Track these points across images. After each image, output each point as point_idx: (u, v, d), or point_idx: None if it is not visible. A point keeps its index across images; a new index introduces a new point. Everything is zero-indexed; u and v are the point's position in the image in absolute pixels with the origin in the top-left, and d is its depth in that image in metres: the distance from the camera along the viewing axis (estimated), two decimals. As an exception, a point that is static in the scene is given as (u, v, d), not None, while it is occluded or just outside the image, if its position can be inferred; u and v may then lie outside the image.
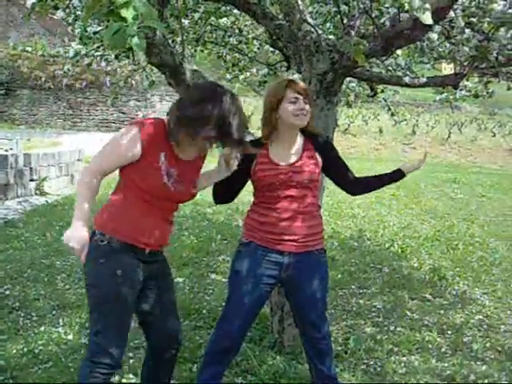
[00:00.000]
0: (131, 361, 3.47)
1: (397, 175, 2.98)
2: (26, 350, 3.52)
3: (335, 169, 2.88)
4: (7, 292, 4.55)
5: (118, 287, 2.34)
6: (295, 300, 2.89)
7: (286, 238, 2.71)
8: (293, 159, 2.73)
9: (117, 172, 2.44)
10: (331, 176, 2.92)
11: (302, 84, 2.73)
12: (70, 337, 3.75)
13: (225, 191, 2.83)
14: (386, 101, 6.00)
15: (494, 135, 23.93)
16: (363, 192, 3.09)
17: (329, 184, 9.83)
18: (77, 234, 2.30)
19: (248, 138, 3.11)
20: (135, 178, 2.37)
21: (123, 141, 2.30)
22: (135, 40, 1.35)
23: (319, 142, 2.81)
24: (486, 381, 3.45)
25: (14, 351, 3.49)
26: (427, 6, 2.26)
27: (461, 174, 16.04)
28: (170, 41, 4.81)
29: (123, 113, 18.82)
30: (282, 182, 2.69)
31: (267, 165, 2.72)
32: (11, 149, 9.24)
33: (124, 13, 1.30)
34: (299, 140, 2.78)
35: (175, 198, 2.47)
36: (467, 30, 3.49)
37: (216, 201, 2.87)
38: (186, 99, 2.38)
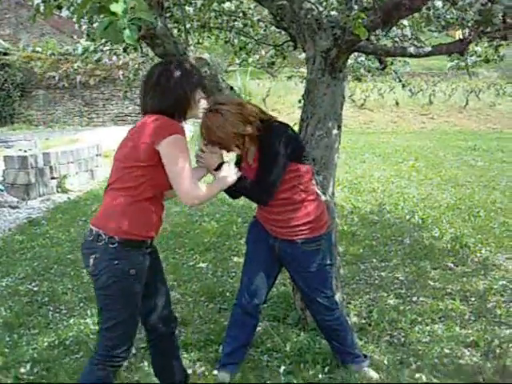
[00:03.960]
0: (142, 350, 3.50)
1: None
2: (57, 342, 3.63)
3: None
4: (35, 288, 4.66)
5: (132, 286, 2.43)
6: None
7: (270, 225, 2.96)
8: (252, 160, 2.88)
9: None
10: None
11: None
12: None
13: None
14: (396, 73, 5.97)
15: (513, 99, 23.54)
16: None
17: (348, 160, 9.88)
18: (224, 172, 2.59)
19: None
20: (157, 177, 2.41)
21: (185, 153, 2.38)
22: (127, 32, 1.39)
23: (260, 142, 2.82)
24: (511, 345, 3.47)
25: (46, 344, 3.60)
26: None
27: (480, 140, 15.85)
28: (175, 30, 4.86)
29: (138, 105, 18.87)
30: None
31: (243, 162, 2.92)
32: (30, 149, 9.38)
33: (114, 7, 1.34)
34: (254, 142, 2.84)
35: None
36: (469, -5, 3.47)
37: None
38: None
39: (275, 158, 2.75)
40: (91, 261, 2.40)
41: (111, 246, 2.37)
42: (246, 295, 2.98)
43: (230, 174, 2.62)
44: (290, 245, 2.90)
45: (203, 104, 2.61)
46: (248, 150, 2.84)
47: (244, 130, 2.71)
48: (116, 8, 1.30)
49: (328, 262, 2.98)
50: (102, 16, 1.43)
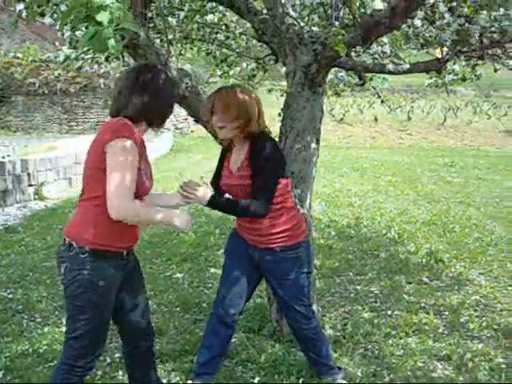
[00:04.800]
0: (118, 360, 3.49)
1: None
2: (30, 350, 3.59)
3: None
4: (10, 296, 4.62)
5: (101, 298, 2.38)
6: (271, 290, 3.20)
7: (248, 235, 2.97)
8: (236, 167, 2.88)
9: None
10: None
11: (216, 98, 2.81)
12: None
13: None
14: (375, 89, 6.05)
15: (490, 117, 23.93)
16: None
17: (326, 174, 9.94)
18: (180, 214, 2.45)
19: None
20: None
21: (130, 158, 2.26)
22: (112, 42, 1.41)
23: (254, 149, 2.83)
24: (483, 358, 3.52)
25: (20, 352, 3.56)
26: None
27: (457, 157, 16.09)
28: (158, 40, 4.89)
29: (118, 114, 18.84)
30: (231, 189, 2.86)
31: (224, 171, 2.95)
32: (8, 155, 9.30)
33: (100, 17, 1.36)
34: (245, 147, 2.86)
35: (143, 190, 2.45)
36: (447, 15, 3.55)
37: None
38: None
39: (276, 169, 2.82)
40: (62, 270, 2.38)
41: (81, 256, 2.33)
42: (222, 305, 2.97)
43: (181, 217, 2.44)
44: (269, 253, 2.91)
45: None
46: (232, 155, 2.90)
47: (256, 121, 2.78)
48: (102, 18, 1.32)
49: (306, 269, 3.00)
50: (86, 25, 1.45)
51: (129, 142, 2.26)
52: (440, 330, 3.95)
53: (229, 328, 3.00)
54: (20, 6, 4.07)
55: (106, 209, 2.26)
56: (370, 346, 3.69)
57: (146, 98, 2.38)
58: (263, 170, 2.75)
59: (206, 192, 2.73)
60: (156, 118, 2.47)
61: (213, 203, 2.75)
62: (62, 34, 5.01)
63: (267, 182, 2.77)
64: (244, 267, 2.99)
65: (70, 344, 2.44)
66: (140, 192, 2.38)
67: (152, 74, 2.43)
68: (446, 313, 4.27)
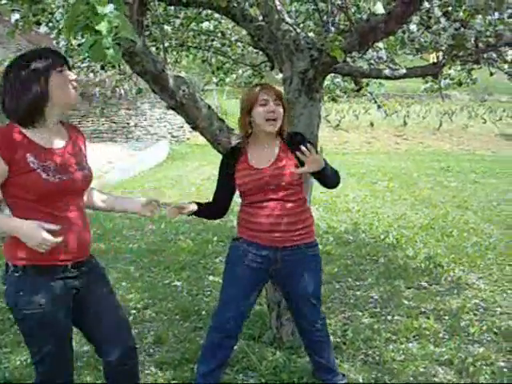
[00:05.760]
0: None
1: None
2: (29, 360, 3.55)
3: None
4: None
5: (46, 316, 2.16)
6: (288, 293, 2.98)
7: (274, 235, 2.79)
8: (271, 162, 2.79)
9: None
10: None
11: (274, 87, 2.80)
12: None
13: (219, 204, 2.95)
14: (371, 94, 6.07)
15: (485, 121, 24.03)
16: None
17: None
18: (26, 228, 2.07)
19: (234, 140, 3.19)
20: (17, 193, 2.14)
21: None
22: (111, 52, 1.40)
23: (294, 141, 2.84)
24: (484, 362, 3.51)
25: (18, 363, 3.54)
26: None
27: (453, 161, 16.12)
28: (153, 48, 4.89)
29: (114, 122, 18.84)
30: (260, 186, 2.77)
31: (247, 170, 2.80)
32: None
33: (99, 27, 1.36)
34: (276, 142, 2.84)
35: (68, 188, 2.20)
36: (443, 20, 3.56)
37: (215, 218, 3.03)
38: None
39: None
40: (5, 293, 2.20)
41: (16, 274, 2.15)
42: (226, 319, 2.86)
43: (29, 233, 2.07)
44: (293, 250, 2.81)
45: None
46: (250, 153, 2.83)
47: None
48: (101, 27, 1.32)
49: (321, 268, 2.97)
50: (82, 34, 1.44)
51: None
52: (440, 335, 3.94)
53: (232, 339, 2.92)
54: (15, 16, 4.08)
55: (29, 219, 2.11)
56: (370, 352, 3.68)
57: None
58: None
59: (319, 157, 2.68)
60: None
61: (327, 165, 2.73)
62: (58, 43, 5.02)
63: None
64: (247, 279, 2.85)
65: (36, 371, 2.29)
66: (37, 190, 2.12)
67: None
68: (446, 317, 4.26)
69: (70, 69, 2.20)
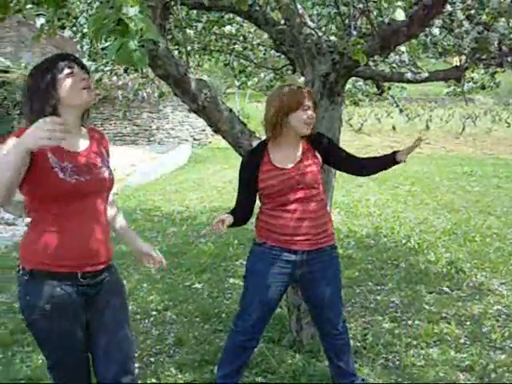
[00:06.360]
0: None
1: (390, 159, 2.91)
2: (51, 360, 3.61)
3: (337, 157, 2.92)
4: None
5: (53, 325, 2.11)
6: (310, 297, 2.96)
7: (299, 238, 2.77)
8: (296, 162, 2.79)
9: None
10: (336, 165, 3.00)
11: (312, 91, 2.85)
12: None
13: (244, 208, 2.85)
14: (393, 98, 6.04)
15: (509, 125, 23.74)
16: (368, 173, 3.11)
17: (345, 184, 9.91)
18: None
19: (255, 143, 3.20)
20: (31, 191, 2.10)
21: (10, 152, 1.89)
22: (137, 54, 1.42)
23: (316, 140, 2.87)
24: (506, 369, 3.47)
25: (41, 361, 3.58)
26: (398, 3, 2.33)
27: (476, 166, 15.94)
28: (176, 52, 4.93)
29: (137, 125, 18.99)
30: (290, 186, 2.74)
31: (273, 171, 2.77)
32: (28, 167, 9.41)
33: (131, 26, 1.37)
34: (300, 142, 2.84)
35: (83, 190, 2.15)
36: (466, 23, 3.54)
37: (243, 223, 2.87)
38: None
39: None
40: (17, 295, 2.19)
41: (24, 277, 2.12)
42: (250, 321, 2.86)
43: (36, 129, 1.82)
44: (318, 253, 2.81)
45: None
46: (273, 154, 2.80)
47: None
48: (132, 28, 1.34)
49: (340, 270, 2.97)
50: (105, 38, 1.46)
51: (9, 139, 2.02)
52: (462, 341, 3.91)
53: (253, 341, 2.92)
54: (40, 20, 4.14)
55: (43, 221, 2.11)
56: (390, 357, 3.66)
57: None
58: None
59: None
60: None
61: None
62: (81, 47, 5.08)
63: None
64: (274, 283, 2.82)
65: (49, 373, 2.27)
66: (53, 189, 2.09)
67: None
68: (468, 323, 4.22)
69: (83, 68, 2.19)
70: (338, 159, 2.93)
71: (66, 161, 2.14)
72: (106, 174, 2.26)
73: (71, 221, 2.13)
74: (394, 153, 2.88)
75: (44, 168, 2.08)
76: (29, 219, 2.17)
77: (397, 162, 2.87)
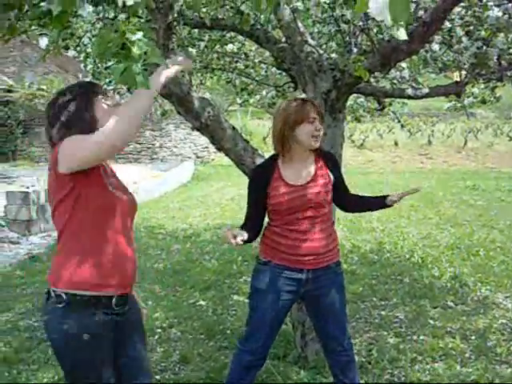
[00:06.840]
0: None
1: (379, 202, 2.86)
2: (56, 377, 3.61)
3: (338, 186, 2.87)
4: (35, 324, 4.66)
5: (88, 355, 2.03)
6: (316, 313, 2.94)
7: (306, 258, 2.74)
8: (308, 179, 2.73)
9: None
10: (334, 193, 2.85)
11: (316, 103, 2.81)
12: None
13: (254, 224, 2.81)
14: (395, 113, 6.09)
15: (511, 139, 23.78)
16: (353, 211, 3.14)
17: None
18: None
19: (258, 160, 3.22)
20: (78, 205, 2.02)
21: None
22: (140, 78, 1.45)
23: (329, 159, 2.84)
24: (512, 383, 3.47)
25: (46, 380, 3.59)
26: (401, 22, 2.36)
27: (479, 180, 15.95)
28: (178, 70, 4.97)
29: (140, 143, 19.09)
30: (301, 204, 2.69)
31: (283, 188, 2.70)
32: (33, 186, 9.46)
33: (134, 51, 1.41)
34: (310, 158, 2.78)
35: (125, 207, 2.15)
36: (464, 39, 3.58)
37: (252, 240, 2.77)
38: None
39: None
40: (44, 325, 2.10)
41: (59, 305, 2.00)
42: (258, 341, 2.83)
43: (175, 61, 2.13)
44: (324, 270, 2.79)
45: None
46: (284, 170, 2.74)
47: None
48: (133, 54, 1.37)
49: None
50: (115, 61, 1.49)
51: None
52: (467, 355, 3.90)
53: (261, 359, 2.90)
54: (44, 41, 4.19)
55: (84, 233, 2.03)
56: (396, 372, 3.66)
57: None
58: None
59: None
60: None
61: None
62: (85, 66, 5.14)
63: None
64: (280, 302, 2.79)
65: None
66: (117, 206, 2.10)
67: None
68: (473, 337, 4.22)
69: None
70: (338, 187, 2.87)
71: (110, 177, 2.17)
72: (132, 196, 2.26)
73: (108, 239, 2.07)
74: (385, 197, 2.82)
75: (96, 181, 2.07)
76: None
77: (386, 205, 2.82)
